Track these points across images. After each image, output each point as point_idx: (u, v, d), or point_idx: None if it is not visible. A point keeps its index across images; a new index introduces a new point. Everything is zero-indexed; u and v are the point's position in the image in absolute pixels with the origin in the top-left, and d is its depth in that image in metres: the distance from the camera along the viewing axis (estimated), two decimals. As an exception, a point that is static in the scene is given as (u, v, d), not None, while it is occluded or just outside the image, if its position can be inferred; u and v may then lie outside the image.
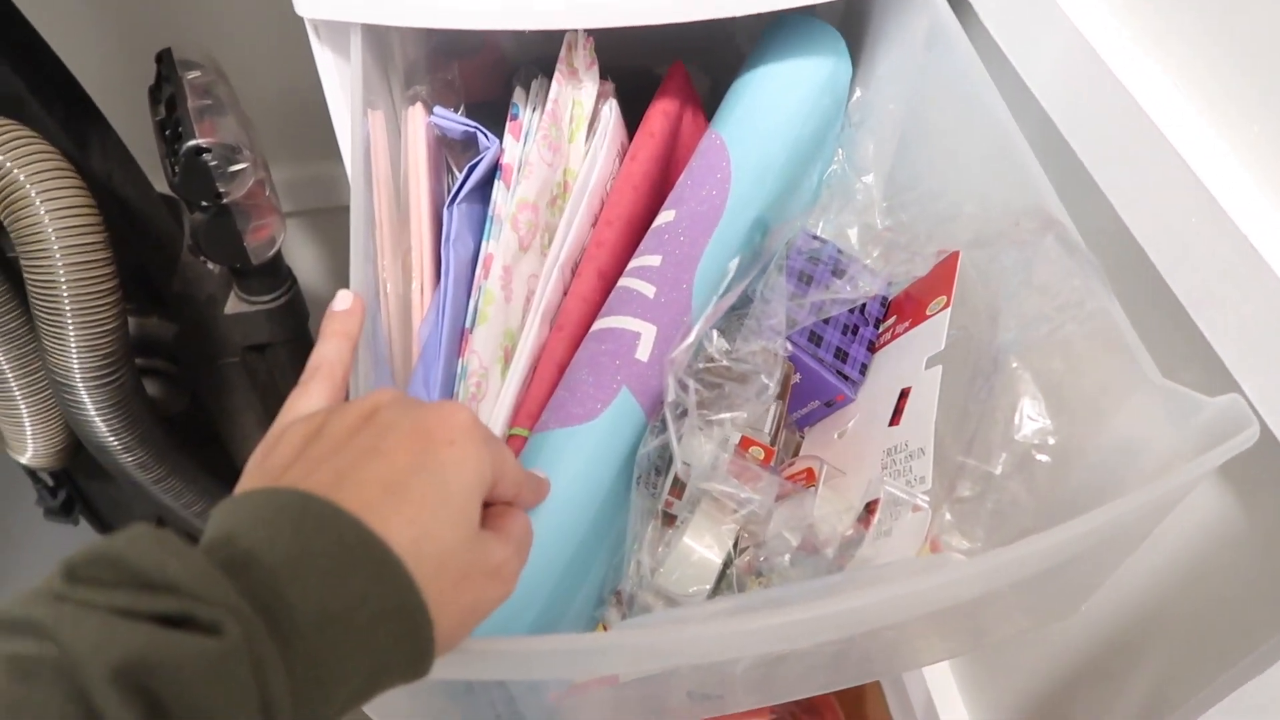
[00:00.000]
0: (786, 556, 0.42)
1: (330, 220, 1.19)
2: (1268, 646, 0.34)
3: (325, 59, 0.54)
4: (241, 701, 0.23)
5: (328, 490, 0.27)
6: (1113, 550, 0.43)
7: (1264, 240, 0.37)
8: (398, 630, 0.26)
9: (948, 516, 0.45)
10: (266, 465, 0.30)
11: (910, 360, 0.49)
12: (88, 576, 0.23)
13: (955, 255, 0.50)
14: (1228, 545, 0.43)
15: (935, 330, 0.48)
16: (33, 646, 0.22)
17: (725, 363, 0.51)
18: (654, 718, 0.47)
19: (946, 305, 0.48)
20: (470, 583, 0.29)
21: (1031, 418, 0.41)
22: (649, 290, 0.48)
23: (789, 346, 0.51)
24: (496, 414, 0.48)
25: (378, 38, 0.55)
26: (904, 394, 0.47)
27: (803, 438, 0.56)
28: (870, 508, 0.45)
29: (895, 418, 0.47)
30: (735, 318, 0.55)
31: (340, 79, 0.55)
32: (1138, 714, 0.50)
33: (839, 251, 0.58)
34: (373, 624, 0.26)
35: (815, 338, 0.54)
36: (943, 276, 0.50)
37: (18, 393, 0.77)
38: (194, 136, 0.67)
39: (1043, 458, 0.41)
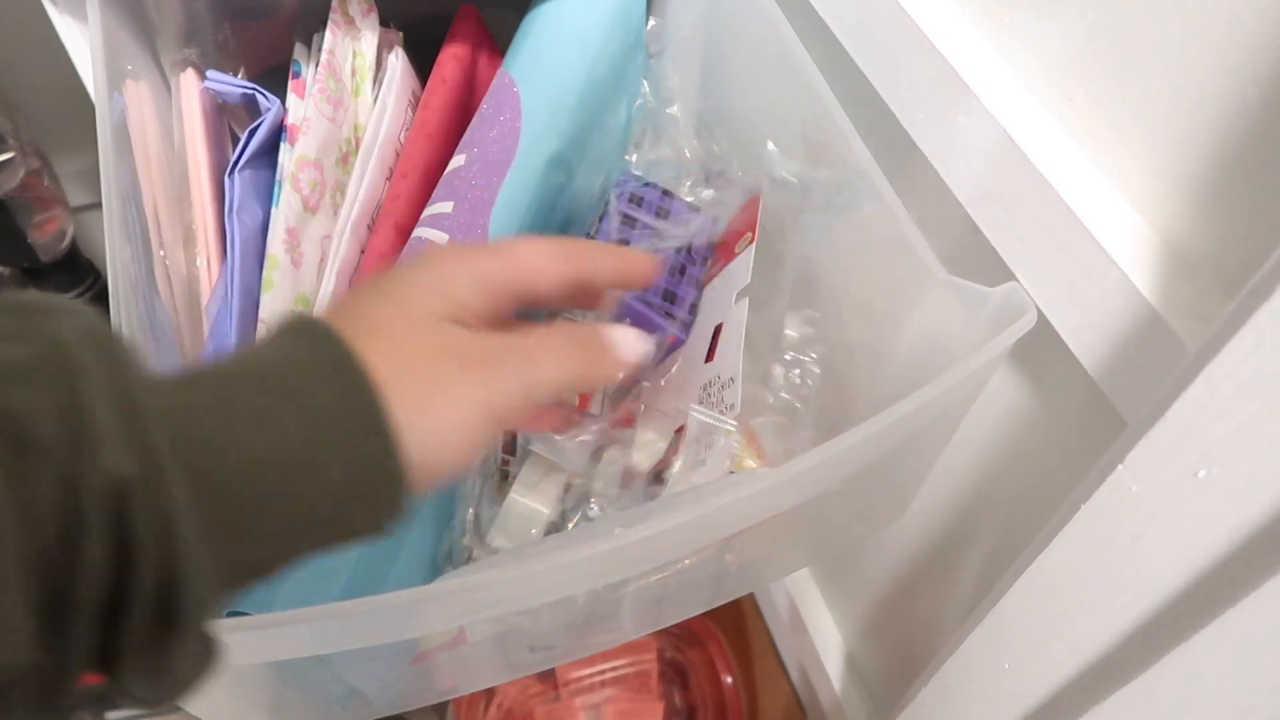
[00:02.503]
0: (602, 502, 0.41)
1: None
2: (1055, 517, 0.35)
3: (67, 28, 0.50)
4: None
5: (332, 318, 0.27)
6: (926, 443, 0.44)
7: (1026, 135, 0.38)
8: (368, 473, 0.25)
9: (765, 436, 0.45)
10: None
11: (723, 297, 0.49)
12: None
13: (757, 198, 0.50)
14: (1024, 427, 0.45)
15: (742, 265, 0.48)
16: None
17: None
18: (501, 675, 0.46)
19: (752, 242, 0.48)
20: (445, 371, 0.28)
21: (807, 327, 0.41)
22: (443, 239, 0.46)
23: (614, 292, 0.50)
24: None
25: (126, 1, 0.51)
26: (717, 330, 0.47)
27: (638, 382, 0.55)
28: (679, 432, 0.45)
29: (710, 354, 0.47)
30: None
31: (87, 48, 0.51)
32: (972, 594, 0.52)
33: (663, 192, 0.57)
34: (340, 460, 0.24)
35: None
36: (748, 217, 0.50)
37: None
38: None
39: (815, 369, 0.41)
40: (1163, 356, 0.34)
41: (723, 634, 0.83)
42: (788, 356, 0.42)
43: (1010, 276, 0.40)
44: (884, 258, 0.43)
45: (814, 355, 0.41)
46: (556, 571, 0.32)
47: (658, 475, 0.42)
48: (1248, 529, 0.26)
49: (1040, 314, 0.37)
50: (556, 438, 0.44)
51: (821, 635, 0.74)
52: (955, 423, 0.43)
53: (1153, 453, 0.29)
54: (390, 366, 0.26)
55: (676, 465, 0.40)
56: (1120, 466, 0.30)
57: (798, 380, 0.41)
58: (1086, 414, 0.40)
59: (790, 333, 0.42)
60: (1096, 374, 0.37)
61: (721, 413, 0.42)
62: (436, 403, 0.27)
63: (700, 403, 0.46)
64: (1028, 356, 0.43)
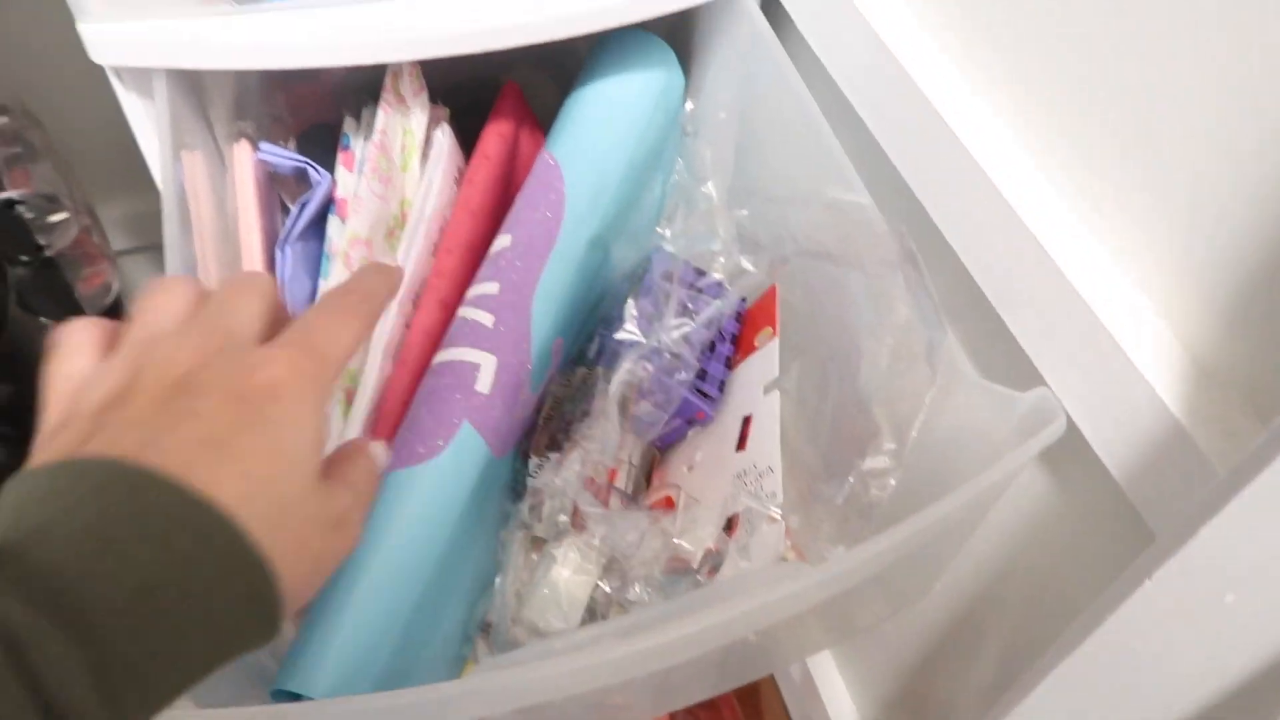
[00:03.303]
0: (644, 585, 0.42)
1: (158, 257, 1.13)
2: (1079, 622, 0.36)
3: (132, 103, 0.52)
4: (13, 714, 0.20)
5: (137, 454, 0.24)
6: (952, 538, 0.45)
7: (1056, 242, 0.39)
8: (237, 591, 0.24)
9: (803, 524, 0.46)
10: (59, 440, 0.25)
11: (748, 388, 0.50)
12: None
13: (774, 289, 0.51)
14: (1047, 523, 0.46)
15: (767, 359, 0.49)
16: None
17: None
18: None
19: (774, 335, 0.49)
20: (315, 533, 0.27)
21: (879, 449, 0.42)
22: (487, 319, 0.48)
23: (648, 367, 0.51)
24: (343, 459, 0.47)
25: (187, 77, 0.53)
26: (747, 420, 0.48)
27: (659, 450, 0.56)
28: (732, 521, 0.46)
29: (741, 443, 0.48)
30: (592, 341, 0.55)
31: (151, 122, 0.53)
32: (990, 680, 0.53)
33: (696, 270, 0.58)
34: (206, 589, 0.23)
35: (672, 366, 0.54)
36: (766, 308, 0.52)
37: None
38: (4, 188, 0.63)
39: (889, 482, 0.42)
40: (1190, 470, 0.35)
41: (736, 700, 0.83)
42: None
43: (1040, 379, 0.41)
44: (912, 355, 0.44)
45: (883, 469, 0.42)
46: (594, 669, 0.33)
47: (703, 561, 0.43)
48: (1275, 658, 0.27)
49: (1069, 419, 0.38)
50: (599, 511, 0.45)
51: (836, 704, 0.74)
52: (981, 517, 0.44)
53: (1181, 572, 0.30)
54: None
55: (728, 553, 0.41)
56: (1148, 581, 0.31)
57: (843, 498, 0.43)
58: (1111, 517, 0.41)
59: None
60: (1123, 481, 0.38)
61: (762, 501, 0.43)
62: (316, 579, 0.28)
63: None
64: (1054, 457, 0.44)
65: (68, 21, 0.46)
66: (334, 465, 0.30)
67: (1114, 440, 0.38)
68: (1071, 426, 0.38)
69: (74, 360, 0.28)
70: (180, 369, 0.26)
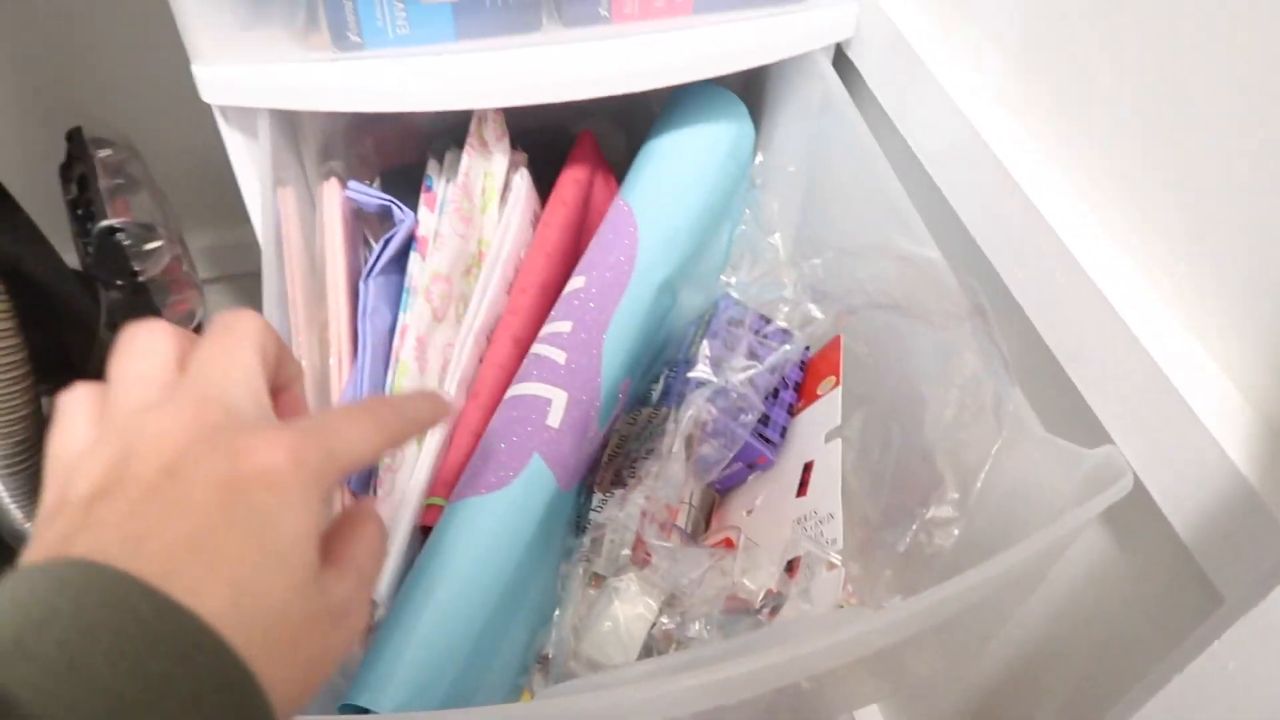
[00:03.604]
0: (705, 623, 0.43)
1: (251, 285, 1.18)
2: (1144, 683, 0.36)
3: (234, 140, 0.55)
4: None
5: (121, 557, 0.23)
6: (1012, 593, 0.45)
7: (1125, 302, 0.40)
8: (221, 710, 0.22)
9: (863, 572, 0.47)
10: (49, 532, 0.25)
11: (810, 435, 0.51)
12: None
13: (838, 339, 0.52)
14: (1110, 582, 0.45)
15: (830, 408, 0.50)
16: None
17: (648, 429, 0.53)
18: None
19: (836, 384, 0.50)
20: (312, 633, 0.25)
21: (943, 499, 0.42)
22: (559, 356, 0.49)
23: (712, 410, 0.53)
24: (413, 484, 0.49)
25: (286, 117, 0.56)
26: (807, 467, 0.49)
27: (719, 493, 0.57)
28: (793, 564, 0.46)
29: (802, 489, 0.49)
30: (658, 382, 0.57)
31: (250, 158, 0.56)
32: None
33: (760, 317, 0.59)
34: (184, 711, 0.21)
35: (738, 407, 0.56)
36: (829, 358, 0.53)
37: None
38: (106, 216, 0.67)
39: (952, 531, 0.43)
40: (1260, 531, 0.35)
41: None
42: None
43: (1106, 437, 0.41)
44: (978, 408, 0.44)
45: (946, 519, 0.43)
46: (653, 701, 0.33)
47: (764, 601, 0.43)
48: (1348, 724, 0.27)
49: (1135, 477, 0.38)
50: (663, 544, 0.46)
51: (885, 761, 0.73)
52: (1042, 574, 0.44)
53: (1251, 635, 0.30)
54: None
55: (790, 595, 0.41)
56: (1216, 642, 0.31)
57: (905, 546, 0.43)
58: (1177, 578, 0.41)
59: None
60: (1191, 542, 0.38)
61: (822, 547, 0.43)
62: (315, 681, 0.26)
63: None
64: (1119, 515, 0.44)
65: (171, 63, 0.49)
66: (336, 541, 0.28)
67: (1182, 500, 0.38)
68: (1138, 485, 0.39)
69: (70, 432, 0.27)
70: (171, 450, 0.25)
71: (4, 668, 0.20)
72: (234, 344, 0.28)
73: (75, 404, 0.27)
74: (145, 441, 0.25)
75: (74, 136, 0.73)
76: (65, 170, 0.72)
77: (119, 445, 0.25)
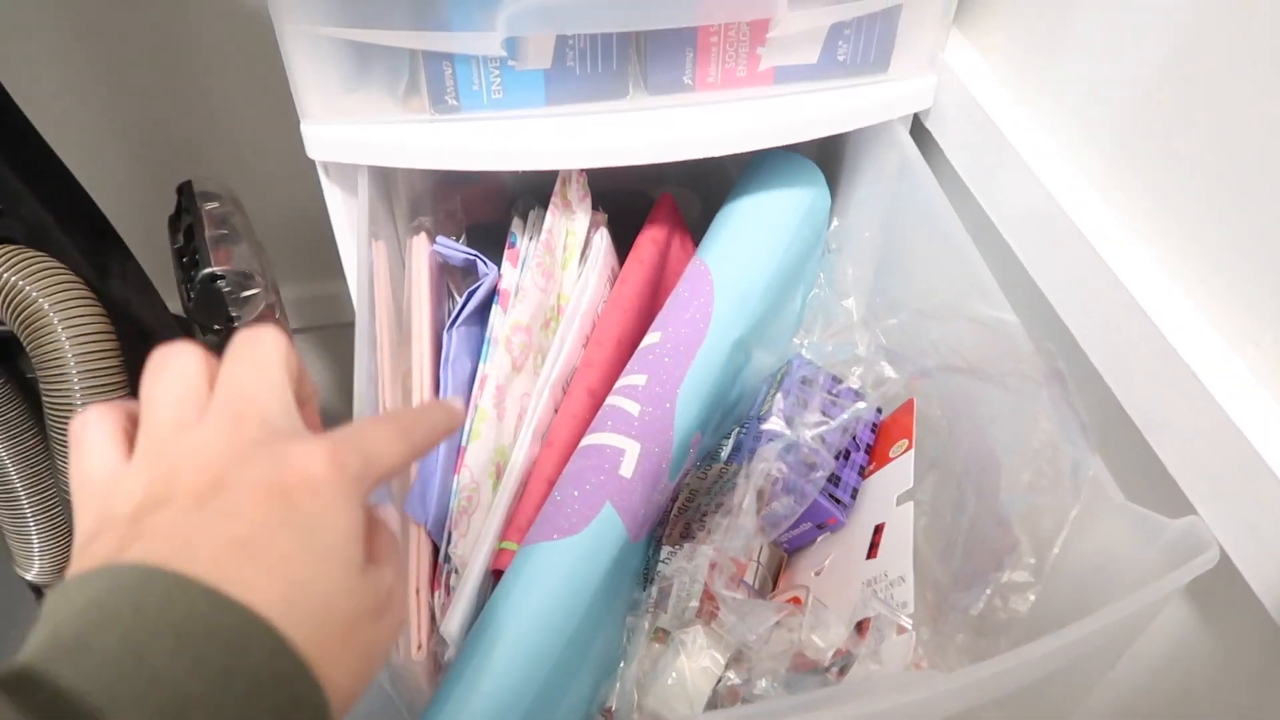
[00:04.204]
0: (771, 680, 0.43)
1: (336, 336, 1.22)
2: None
3: (334, 195, 0.58)
4: None
5: (175, 562, 0.23)
6: (1089, 666, 0.44)
7: (1210, 372, 0.39)
8: (279, 701, 0.23)
9: (933, 637, 0.46)
10: (96, 547, 0.25)
11: (881, 498, 0.51)
12: None
13: (911, 402, 0.52)
14: (1194, 658, 0.44)
15: (902, 471, 0.50)
16: None
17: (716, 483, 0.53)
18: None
19: (909, 448, 0.50)
20: (361, 627, 0.26)
21: (1019, 563, 0.42)
22: (634, 408, 0.50)
23: (783, 470, 0.53)
24: (488, 527, 0.50)
25: (383, 174, 0.59)
26: (878, 529, 0.49)
27: (787, 553, 0.57)
28: (862, 625, 0.46)
29: (872, 551, 0.48)
30: (729, 439, 0.57)
31: (347, 212, 0.59)
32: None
33: (832, 377, 0.60)
34: (245, 703, 0.22)
35: (809, 463, 0.56)
36: (901, 421, 0.53)
37: (28, 509, 0.79)
38: (210, 264, 0.70)
39: (1028, 596, 0.42)
40: (1354, 612, 0.34)
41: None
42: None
43: (1190, 508, 0.40)
44: (1056, 473, 0.44)
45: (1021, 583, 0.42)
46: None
47: (833, 661, 0.43)
48: None
49: (1221, 550, 0.37)
50: (733, 596, 0.46)
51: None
52: (1122, 649, 0.43)
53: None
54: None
55: (859, 656, 0.41)
56: (1308, 723, 0.30)
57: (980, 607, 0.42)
58: (1265, 655, 0.40)
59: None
60: (1280, 618, 0.36)
61: (892, 610, 0.43)
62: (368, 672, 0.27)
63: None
64: (1204, 589, 0.43)
65: (275, 125, 0.52)
66: (370, 540, 0.28)
67: (1270, 575, 0.37)
68: (1224, 559, 0.38)
69: (93, 457, 0.27)
70: (215, 464, 0.26)
71: (71, 665, 0.21)
72: (261, 360, 0.28)
73: (93, 429, 0.28)
74: (187, 457, 0.26)
75: (184, 190, 0.78)
76: (174, 221, 0.77)
77: (160, 463, 0.26)
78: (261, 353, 0.28)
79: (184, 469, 0.26)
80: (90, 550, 0.25)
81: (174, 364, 0.28)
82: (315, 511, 0.26)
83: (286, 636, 0.23)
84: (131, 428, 0.28)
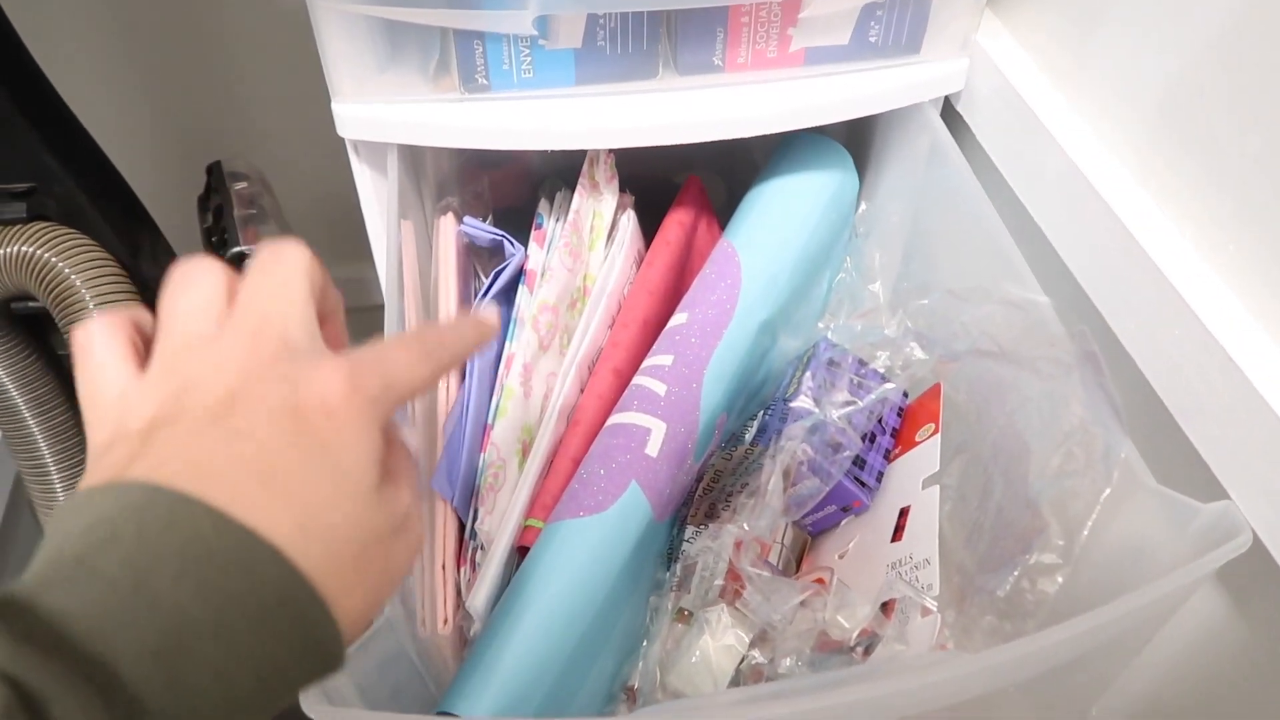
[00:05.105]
0: (796, 659, 0.43)
1: (364, 318, 1.22)
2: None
3: (363, 174, 0.58)
4: None
5: (183, 481, 0.22)
6: (1116, 651, 0.43)
7: (1245, 356, 0.39)
8: (287, 627, 0.23)
9: (958, 620, 0.46)
10: (107, 461, 0.24)
11: (907, 481, 0.51)
12: None
13: (938, 387, 0.52)
14: (1224, 645, 0.43)
15: (928, 454, 0.50)
16: None
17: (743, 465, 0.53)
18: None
19: (935, 432, 0.50)
20: (377, 550, 0.26)
21: (1047, 545, 0.42)
22: (660, 388, 0.50)
23: (809, 451, 0.53)
24: (513, 504, 0.50)
25: (412, 154, 0.59)
26: (903, 512, 0.49)
27: (811, 536, 0.57)
28: (887, 606, 0.46)
29: (897, 534, 0.48)
30: (754, 420, 0.57)
31: (376, 192, 0.59)
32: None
33: (858, 360, 0.60)
34: (250, 629, 0.22)
35: (834, 444, 0.56)
36: (928, 406, 0.53)
37: (59, 486, 0.80)
38: (238, 244, 0.71)
39: (1056, 579, 0.42)
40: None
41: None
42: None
43: (1223, 492, 0.40)
44: (1087, 457, 0.43)
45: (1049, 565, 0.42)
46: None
47: (858, 641, 0.43)
48: None
49: (1254, 535, 0.37)
50: (758, 573, 0.46)
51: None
52: (1150, 633, 0.43)
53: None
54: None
55: (884, 637, 0.41)
56: (1342, 709, 0.30)
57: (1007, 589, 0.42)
58: (1299, 645, 0.39)
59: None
60: (1314, 606, 0.36)
61: (917, 592, 0.43)
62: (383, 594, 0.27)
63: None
64: (1235, 574, 0.42)
65: (305, 106, 0.53)
66: (387, 458, 0.28)
67: (1305, 560, 0.36)
68: (1256, 544, 0.37)
69: (104, 372, 0.27)
70: (230, 381, 0.25)
71: (67, 586, 0.21)
72: (284, 275, 0.27)
73: (99, 344, 0.27)
74: (203, 373, 0.25)
75: (214, 170, 0.78)
76: (203, 201, 0.78)
77: (175, 378, 0.25)
78: (284, 269, 0.27)
79: (199, 385, 0.25)
80: (102, 464, 0.24)
81: (195, 278, 0.27)
82: (330, 434, 0.25)
83: (295, 561, 0.23)
84: (140, 339, 0.28)
